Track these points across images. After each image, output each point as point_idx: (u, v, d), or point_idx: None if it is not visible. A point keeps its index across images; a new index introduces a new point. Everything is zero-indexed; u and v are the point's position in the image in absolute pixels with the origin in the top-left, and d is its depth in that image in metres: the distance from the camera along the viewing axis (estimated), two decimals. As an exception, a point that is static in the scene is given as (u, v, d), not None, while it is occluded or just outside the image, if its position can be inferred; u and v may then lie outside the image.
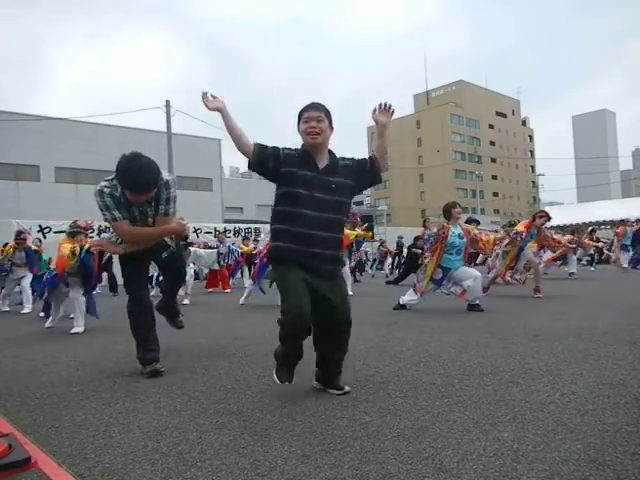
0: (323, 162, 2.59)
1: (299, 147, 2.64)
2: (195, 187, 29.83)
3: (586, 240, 12.49)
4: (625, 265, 13.28)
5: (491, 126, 73.87)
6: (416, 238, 12.73)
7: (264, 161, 2.55)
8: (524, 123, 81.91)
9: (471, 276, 5.92)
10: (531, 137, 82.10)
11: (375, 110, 2.71)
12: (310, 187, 2.51)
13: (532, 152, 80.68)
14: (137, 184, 3.02)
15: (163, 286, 4.01)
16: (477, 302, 5.91)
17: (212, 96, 2.61)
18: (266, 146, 2.58)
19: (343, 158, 2.70)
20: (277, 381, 2.50)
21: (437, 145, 67.01)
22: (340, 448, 1.87)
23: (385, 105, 2.70)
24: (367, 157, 2.75)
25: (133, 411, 2.44)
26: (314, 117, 2.55)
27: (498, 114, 75.50)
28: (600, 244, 14.22)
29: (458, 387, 2.63)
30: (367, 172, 2.70)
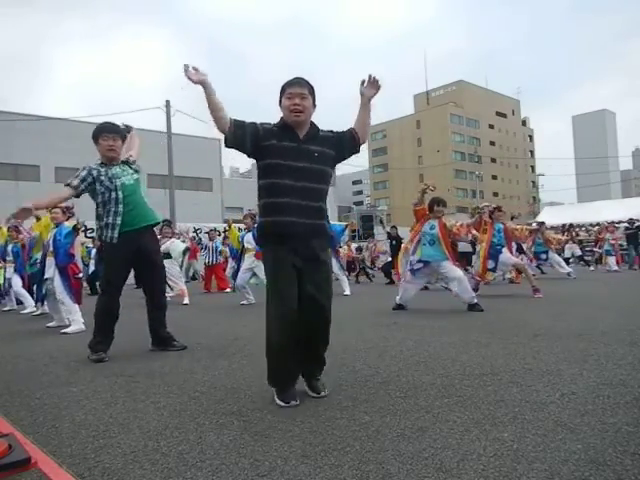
0: (303, 132, 2.56)
1: (277, 122, 2.59)
2: (195, 187, 29.87)
3: (551, 235, 12.33)
4: (614, 267, 13.44)
5: (491, 126, 73.86)
6: (393, 227, 12.76)
7: (242, 138, 2.50)
8: (524, 123, 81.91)
9: (455, 277, 6.00)
10: (531, 137, 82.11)
11: (363, 82, 2.68)
12: (293, 157, 2.49)
13: (532, 152, 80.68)
14: (107, 127, 4.02)
15: (149, 320, 4.17)
16: (475, 301, 5.92)
17: (194, 69, 2.52)
18: (243, 123, 2.52)
19: (322, 130, 2.66)
20: (282, 404, 2.42)
21: (437, 145, 67.01)
22: (340, 448, 1.87)
23: (372, 78, 2.68)
24: (347, 130, 2.74)
25: (133, 411, 2.44)
26: (298, 94, 2.51)
27: (498, 114, 75.50)
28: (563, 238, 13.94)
29: (458, 387, 2.63)
30: (347, 142, 2.70)
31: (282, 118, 2.59)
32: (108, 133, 3.98)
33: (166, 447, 1.96)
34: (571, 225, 15.51)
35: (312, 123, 2.62)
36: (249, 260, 8.08)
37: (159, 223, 4.37)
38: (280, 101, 2.58)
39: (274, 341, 2.49)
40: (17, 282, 8.21)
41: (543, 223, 12.38)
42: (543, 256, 11.43)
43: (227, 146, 2.55)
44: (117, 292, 3.97)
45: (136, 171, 4.10)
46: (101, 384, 3.01)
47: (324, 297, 2.54)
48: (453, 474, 1.62)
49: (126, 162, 4.06)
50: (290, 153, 2.50)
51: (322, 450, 1.86)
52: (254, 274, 8.07)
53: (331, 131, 2.72)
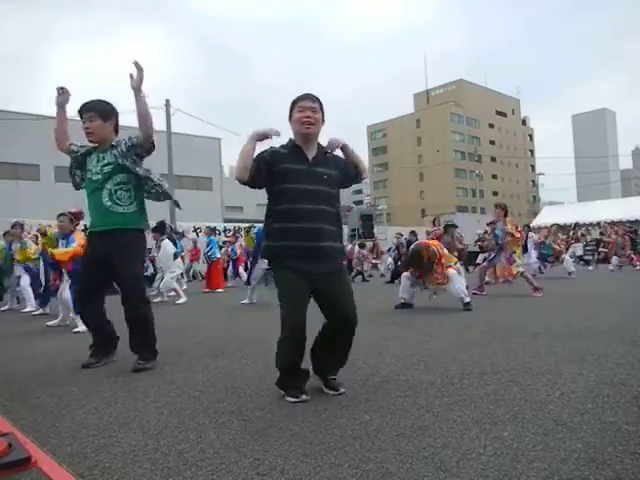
0: (312, 154, 2.59)
1: (284, 143, 2.62)
2: (195, 186, 29.84)
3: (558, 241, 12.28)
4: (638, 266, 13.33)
5: (491, 125, 73.88)
6: (412, 232, 12.73)
7: (259, 180, 2.53)
8: (524, 122, 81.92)
9: (447, 276, 6.07)
10: (531, 136, 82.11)
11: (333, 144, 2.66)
12: (304, 180, 2.50)
13: (532, 151, 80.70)
14: (83, 106, 3.46)
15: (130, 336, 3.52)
16: (467, 300, 5.93)
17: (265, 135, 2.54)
18: (258, 164, 2.51)
19: (327, 151, 2.66)
20: (292, 400, 2.46)
21: (437, 144, 67.01)
22: (340, 447, 1.88)
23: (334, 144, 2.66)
24: (347, 163, 2.75)
25: (133, 410, 2.44)
26: (309, 107, 2.54)
27: (498, 113, 75.51)
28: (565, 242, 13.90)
29: (458, 386, 2.63)
30: (352, 170, 2.72)
31: (290, 139, 2.62)
32: (85, 112, 3.44)
33: (166, 446, 1.96)
34: (577, 224, 15.41)
35: (319, 145, 2.64)
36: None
37: (127, 230, 3.45)
38: (290, 116, 2.60)
39: (284, 352, 2.52)
40: (26, 280, 8.21)
41: (556, 225, 12.27)
42: (550, 259, 11.37)
43: (248, 185, 2.57)
44: (88, 299, 3.59)
45: (122, 156, 3.39)
46: (101, 383, 3.01)
47: (348, 307, 2.59)
48: (453, 473, 1.63)
49: (115, 146, 3.44)
50: (302, 176, 2.51)
51: (322, 449, 1.86)
52: (266, 277, 7.76)
53: (338, 156, 2.73)
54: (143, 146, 3.44)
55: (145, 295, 3.62)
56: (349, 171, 2.72)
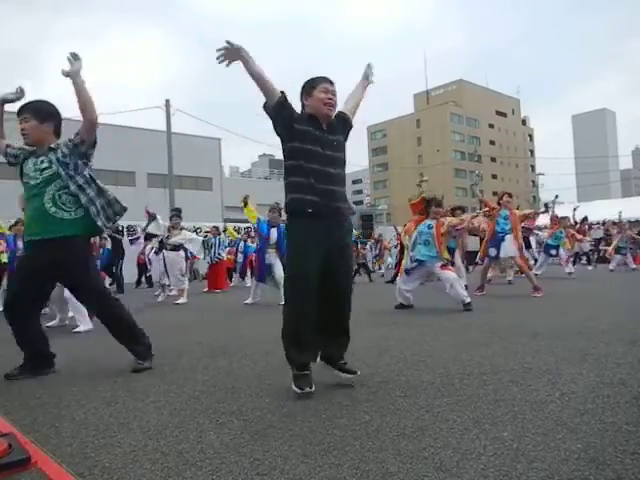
0: (325, 122, 2.73)
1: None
2: (195, 186, 29.84)
3: (572, 233, 12.19)
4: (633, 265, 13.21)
5: (491, 125, 73.86)
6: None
7: (282, 111, 2.61)
8: (524, 122, 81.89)
9: (447, 279, 6.03)
10: (531, 136, 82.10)
11: (370, 66, 3.09)
12: (321, 144, 2.65)
13: (532, 151, 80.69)
14: (20, 108, 3.29)
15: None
16: (468, 301, 5.89)
17: (228, 43, 2.50)
18: (287, 100, 2.63)
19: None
20: (297, 390, 2.49)
21: (437, 144, 67.01)
22: (340, 447, 1.87)
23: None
24: (346, 116, 2.90)
25: (133, 410, 2.44)
26: (331, 90, 2.70)
27: (498, 113, 75.48)
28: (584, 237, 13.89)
29: (458, 386, 2.63)
30: (348, 125, 2.89)
31: (304, 111, 2.73)
32: (21, 113, 3.24)
33: (166, 446, 1.96)
34: (585, 218, 15.25)
35: None
36: (272, 256, 7.59)
37: (71, 237, 3.19)
38: (308, 94, 2.71)
39: (297, 310, 2.61)
40: None
41: (566, 217, 12.04)
42: (553, 251, 11.15)
43: (268, 111, 2.64)
44: (21, 314, 3.26)
45: (60, 162, 3.18)
46: (101, 383, 3.01)
47: (348, 285, 2.84)
48: (453, 473, 1.63)
49: (54, 149, 3.24)
50: (319, 141, 2.66)
51: (322, 449, 1.86)
52: (270, 271, 7.62)
53: (341, 116, 2.87)
54: (86, 141, 3.24)
55: (109, 298, 3.41)
56: (346, 128, 2.89)
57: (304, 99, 2.75)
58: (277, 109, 2.60)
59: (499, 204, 7.69)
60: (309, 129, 2.63)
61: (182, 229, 9.15)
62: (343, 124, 2.85)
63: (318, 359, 2.79)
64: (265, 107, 2.64)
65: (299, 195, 2.63)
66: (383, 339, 4.15)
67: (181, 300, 8.52)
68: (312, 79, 2.73)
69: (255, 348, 3.97)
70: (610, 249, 13.85)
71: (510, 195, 7.85)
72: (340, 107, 2.87)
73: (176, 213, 9.08)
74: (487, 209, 7.71)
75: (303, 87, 2.76)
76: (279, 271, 7.20)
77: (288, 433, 2.05)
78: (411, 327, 4.77)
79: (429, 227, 6.17)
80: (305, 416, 2.25)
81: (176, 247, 8.80)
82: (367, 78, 3.09)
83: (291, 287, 2.67)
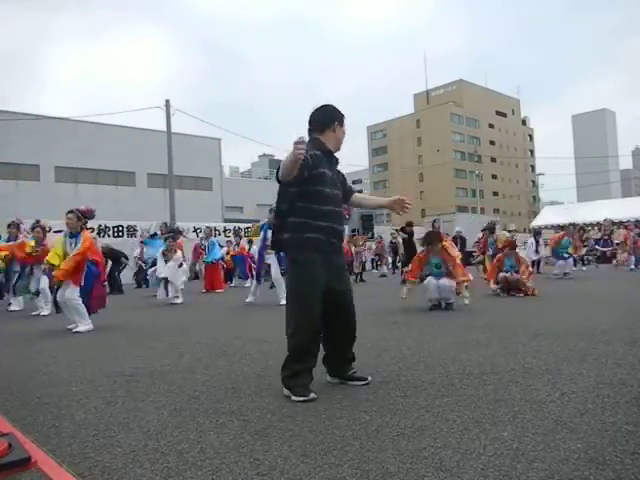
0: (334, 157, 2.87)
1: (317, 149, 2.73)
2: (195, 186, 29.85)
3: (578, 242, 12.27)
4: (632, 266, 13.25)
5: (491, 125, 73.81)
6: (408, 224, 12.67)
7: (303, 173, 2.58)
8: (524, 122, 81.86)
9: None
10: (531, 136, 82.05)
11: (401, 201, 3.02)
12: (331, 185, 2.74)
13: (532, 151, 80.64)
14: None
15: None
16: (451, 301, 6.12)
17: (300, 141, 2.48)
18: (309, 162, 2.60)
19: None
20: (299, 399, 2.49)
21: (437, 144, 66.96)
22: (340, 447, 1.88)
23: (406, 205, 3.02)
24: (351, 188, 3.07)
25: (133, 410, 2.44)
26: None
27: (498, 113, 75.44)
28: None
29: (458, 386, 2.63)
30: (347, 192, 2.99)
31: (321, 144, 2.76)
32: None
33: (166, 446, 1.96)
34: (582, 228, 15.37)
35: None
36: (271, 256, 7.69)
37: None
38: (334, 125, 2.79)
39: (304, 344, 2.62)
40: (45, 281, 8.01)
41: (574, 225, 12.18)
42: (562, 261, 11.21)
43: (283, 181, 2.65)
44: None
45: None
46: (101, 383, 3.01)
47: (350, 298, 2.88)
48: (453, 473, 1.62)
49: None
50: (331, 181, 2.75)
51: (322, 449, 1.86)
52: (268, 271, 7.78)
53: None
54: None
55: None
56: (345, 191, 2.99)
57: (329, 127, 2.77)
58: (299, 176, 2.56)
59: (502, 250, 8.06)
60: (324, 171, 2.69)
61: (177, 250, 9.05)
62: (343, 182, 2.94)
63: (328, 377, 2.85)
64: (281, 177, 2.62)
65: (306, 235, 2.66)
66: (383, 339, 4.15)
67: (178, 300, 8.58)
68: (340, 113, 2.83)
69: (255, 348, 3.97)
70: (621, 257, 13.84)
71: (514, 247, 8.00)
72: (357, 195, 3.12)
73: (172, 235, 9.22)
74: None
75: (333, 116, 2.80)
76: (275, 272, 7.50)
77: (288, 433, 2.05)
78: (411, 327, 4.77)
79: (437, 266, 6.31)
80: (305, 416, 2.25)
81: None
82: (390, 206, 3.06)
83: (297, 320, 2.64)
